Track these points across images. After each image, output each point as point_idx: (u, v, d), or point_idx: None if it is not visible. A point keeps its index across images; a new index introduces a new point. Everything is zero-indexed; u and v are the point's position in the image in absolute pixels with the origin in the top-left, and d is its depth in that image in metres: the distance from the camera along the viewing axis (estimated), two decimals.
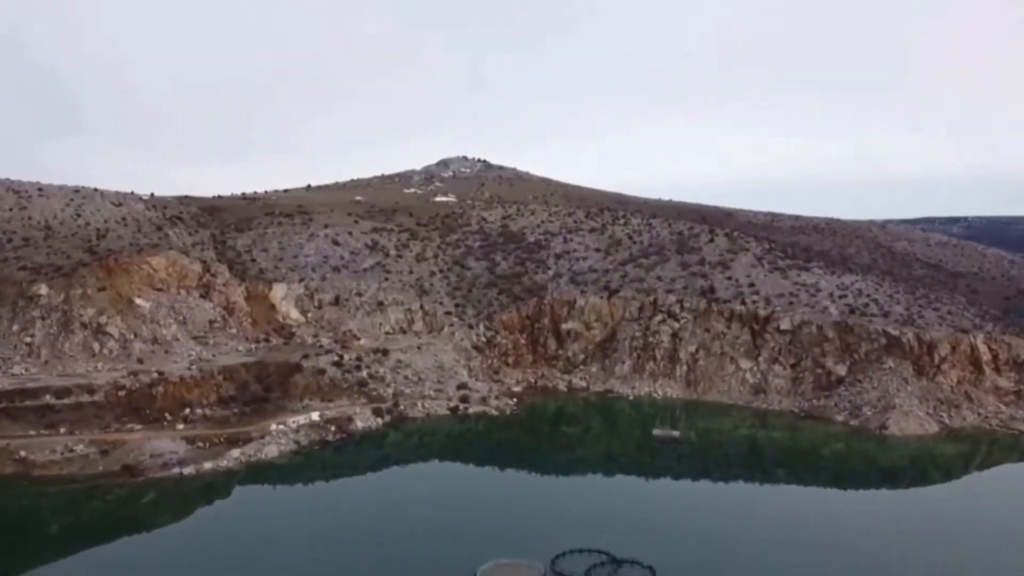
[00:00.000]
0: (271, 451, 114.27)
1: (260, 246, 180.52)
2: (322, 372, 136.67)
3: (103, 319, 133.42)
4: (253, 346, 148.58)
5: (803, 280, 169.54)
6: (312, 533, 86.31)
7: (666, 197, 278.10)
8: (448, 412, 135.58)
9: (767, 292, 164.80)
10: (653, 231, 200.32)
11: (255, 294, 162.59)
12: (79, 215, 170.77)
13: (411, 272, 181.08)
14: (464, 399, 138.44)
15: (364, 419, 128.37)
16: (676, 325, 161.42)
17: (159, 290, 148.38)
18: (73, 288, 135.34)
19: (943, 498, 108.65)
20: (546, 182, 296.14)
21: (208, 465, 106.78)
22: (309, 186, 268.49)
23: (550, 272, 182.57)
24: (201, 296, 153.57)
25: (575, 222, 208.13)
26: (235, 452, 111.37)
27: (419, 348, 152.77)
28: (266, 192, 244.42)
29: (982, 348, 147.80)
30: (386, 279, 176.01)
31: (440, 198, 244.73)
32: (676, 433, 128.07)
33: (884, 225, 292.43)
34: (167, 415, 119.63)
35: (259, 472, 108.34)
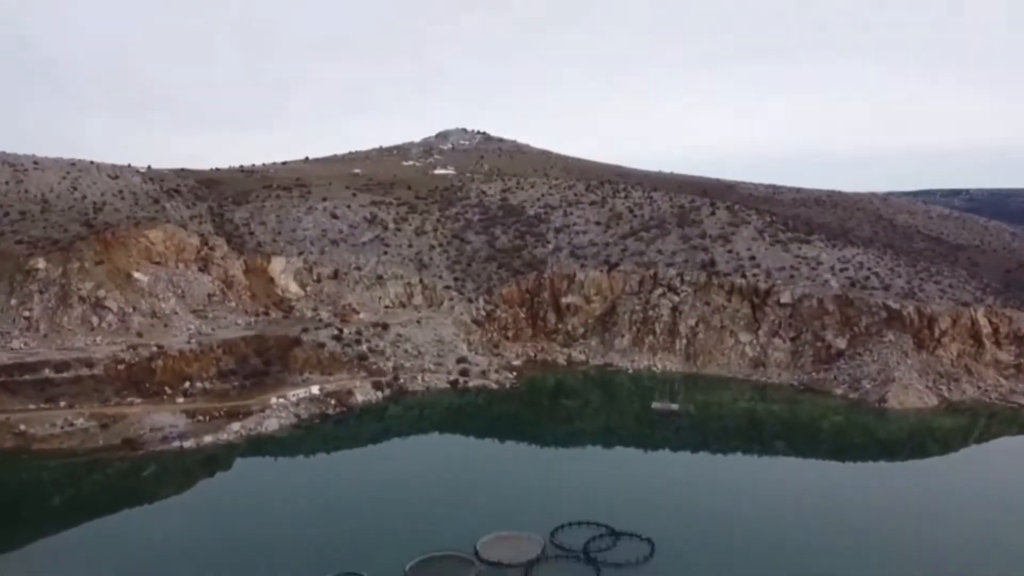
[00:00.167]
0: (271, 424, 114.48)
1: (258, 219, 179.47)
2: (322, 346, 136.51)
3: (101, 293, 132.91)
4: (252, 320, 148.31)
5: (804, 253, 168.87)
6: (313, 506, 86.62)
7: (667, 170, 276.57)
8: (448, 386, 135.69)
9: (768, 265, 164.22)
10: (654, 204, 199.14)
11: (254, 268, 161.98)
12: (75, 188, 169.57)
13: (410, 246, 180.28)
14: (464, 373, 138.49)
15: (364, 393, 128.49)
16: (676, 299, 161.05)
17: (157, 264, 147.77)
18: (71, 262, 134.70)
19: (941, 471, 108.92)
20: (546, 154, 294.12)
21: (208, 438, 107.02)
22: (307, 158, 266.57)
23: (550, 246, 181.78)
24: (199, 270, 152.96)
25: (575, 195, 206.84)
26: (235, 425, 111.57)
27: (419, 322, 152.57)
28: (264, 165, 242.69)
29: (982, 321, 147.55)
30: (385, 253, 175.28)
31: (439, 171, 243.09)
32: (675, 406, 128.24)
33: (886, 198, 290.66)
34: (167, 389, 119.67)
35: (260, 445, 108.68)
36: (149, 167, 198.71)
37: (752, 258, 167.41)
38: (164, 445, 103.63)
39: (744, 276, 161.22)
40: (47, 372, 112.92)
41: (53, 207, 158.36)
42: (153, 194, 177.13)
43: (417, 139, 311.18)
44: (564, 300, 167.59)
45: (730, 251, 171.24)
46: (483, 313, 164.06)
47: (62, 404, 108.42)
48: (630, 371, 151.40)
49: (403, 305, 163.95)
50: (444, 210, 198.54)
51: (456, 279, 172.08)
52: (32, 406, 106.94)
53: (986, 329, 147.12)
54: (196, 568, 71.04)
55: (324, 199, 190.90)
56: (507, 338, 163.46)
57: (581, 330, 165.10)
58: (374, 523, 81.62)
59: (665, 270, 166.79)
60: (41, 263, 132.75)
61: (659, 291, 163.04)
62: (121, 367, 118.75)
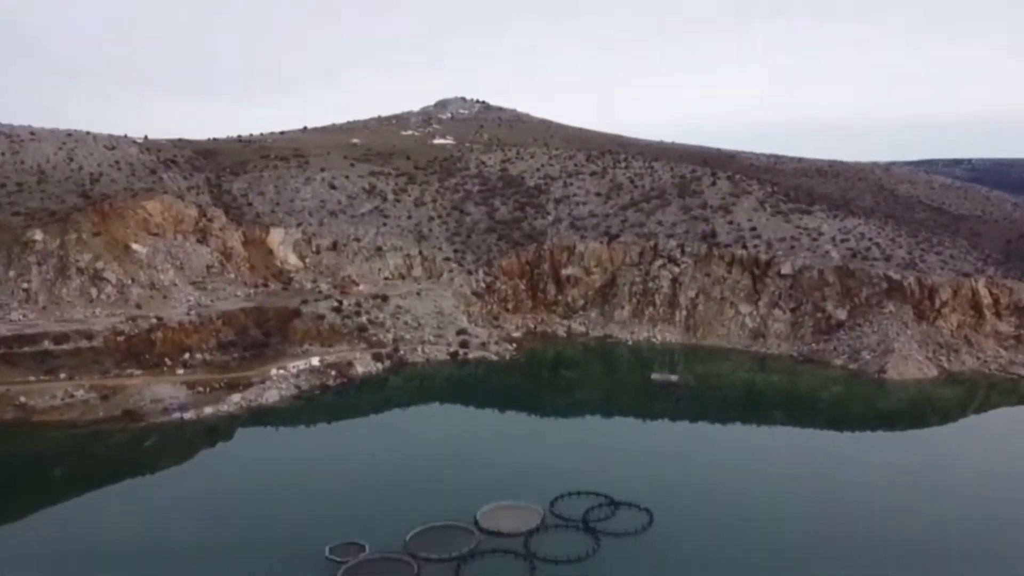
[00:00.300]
0: (272, 396, 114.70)
1: (256, 190, 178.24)
2: (321, 317, 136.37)
3: (100, 264, 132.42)
4: (251, 291, 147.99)
5: (805, 224, 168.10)
6: (314, 476, 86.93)
7: (668, 139, 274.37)
8: (448, 357, 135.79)
9: (768, 236, 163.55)
10: (654, 174, 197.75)
11: (252, 239, 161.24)
12: (72, 159, 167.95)
13: (409, 217, 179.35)
14: (464, 344, 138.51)
15: (364, 364, 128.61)
16: (676, 270, 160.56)
17: (155, 235, 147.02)
18: (68, 233, 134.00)
19: (939, 441, 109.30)
20: (546, 124, 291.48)
21: (209, 410, 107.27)
22: (305, 128, 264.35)
23: (550, 217, 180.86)
24: (198, 241, 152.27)
25: (575, 166, 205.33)
26: (236, 397, 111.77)
27: (418, 294, 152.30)
28: (261, 134, 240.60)
29: (983, 292, 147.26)
30: (384, 224, 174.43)
31: (438, 140, 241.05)
32: (674, 377, 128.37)
33: (887, 167, 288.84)
34: (166, 360, 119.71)
35: (260, 416, 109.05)
36: (146, 137, 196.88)
37: (753, 229, 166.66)
38: (164, 416, 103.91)
39: (745, 247, 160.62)
40: (46, 344, 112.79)
41: (50, 178, 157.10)
42: (150, 164, 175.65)
43: (416, 108, 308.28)
44: (564, 272, 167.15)
45: (731, 222, 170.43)
46: (483, 285, 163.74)
47: (62, 376, 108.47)
48: (630, 343, 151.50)
49: (402, 277, 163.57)
50: (443, 181, 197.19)
51: (456, 251, 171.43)
52: (32, 378, 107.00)
53: (986, 300, 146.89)
54: (198, 537, 71.40)
55: (322, 169, 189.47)
56: (507, 310, 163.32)
57: (581, 302, 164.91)
58: (375, 493, 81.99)
59: (665, 241, 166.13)
60: (39, 235, 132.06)
61: (659, 262, 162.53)
62: (120, 339, 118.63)
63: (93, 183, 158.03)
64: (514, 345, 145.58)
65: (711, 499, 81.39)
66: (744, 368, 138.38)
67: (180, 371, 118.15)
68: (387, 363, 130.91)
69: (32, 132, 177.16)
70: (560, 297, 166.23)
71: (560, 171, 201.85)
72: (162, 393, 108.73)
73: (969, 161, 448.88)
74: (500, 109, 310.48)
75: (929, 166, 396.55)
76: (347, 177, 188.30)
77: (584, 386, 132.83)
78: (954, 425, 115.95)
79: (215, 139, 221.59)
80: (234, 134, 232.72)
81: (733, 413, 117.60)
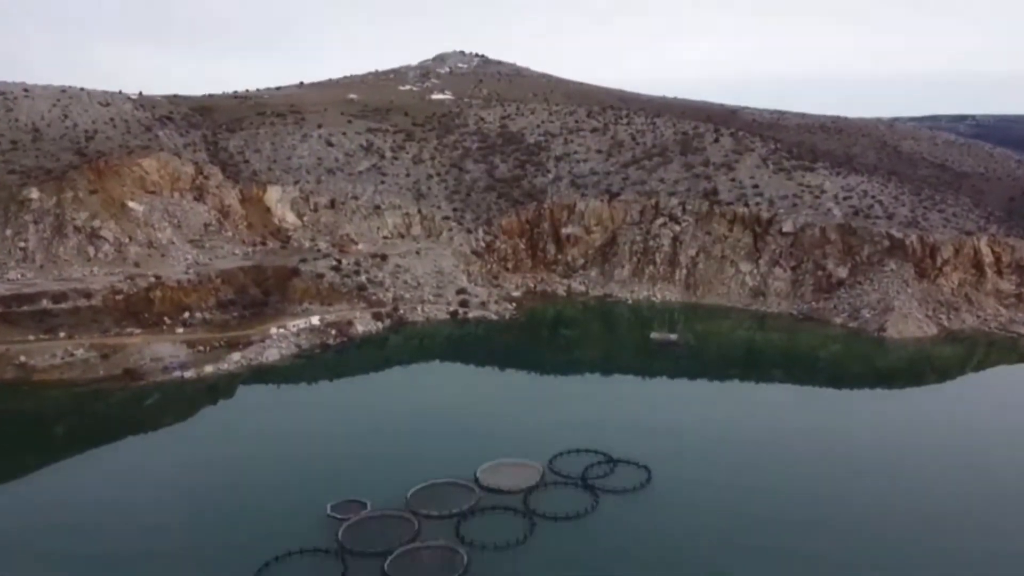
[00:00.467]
0: (272, 354, 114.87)
1: (253, 147, 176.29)
2: (320, 276, 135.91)
3: (96, 223, 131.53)
4: (250, 250, 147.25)
5: (808, 181, 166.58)
6: (315, 434, 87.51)
7: (670, 94, 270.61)
8: (448, 317, 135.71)
9: (771, 194, 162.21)
10: (657, 131, 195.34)
11: (249, 197, 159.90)
12: (67, 116, 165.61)
13: (408, 175, 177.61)
14: (463, 304, 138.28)
15: (364, 323, 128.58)
16: (677, 228, 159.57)
17: (152, 193, 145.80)
18: (64, 192, 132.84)
19: (937, 398, 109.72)
20: (546, 78, 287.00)
21: (209, 368, 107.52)
22: (301, 83, 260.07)
23: (550, 175, 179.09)
24: (195, 199, 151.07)
25: (576, 122, 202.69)
26: (236, 356, 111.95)
27: (417, 253, 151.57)
28: (257, 90, 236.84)
29: (985, 251, 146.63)
30: (382, 182, 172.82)
31: (436, 96, 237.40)
32: (674, 336, 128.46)
33: (891, 123, 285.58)
34: (166, 319, 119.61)
35: (261, 375, 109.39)
36: (140, 94, 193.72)
37: (755, 186, 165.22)
38: (165, 375, 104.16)
39: (746, 205, 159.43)
40: (45, 303, 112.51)
41: (44, 136, 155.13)
42: (145, 122, 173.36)
43: (414, 62, 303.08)
44: (564, 231, 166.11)
45: (733, 179, 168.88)
46: (482, 244, 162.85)
47: (61, 335, 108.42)
48: (629, 302, 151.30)
49: (401, 236, 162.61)
50: (442, 138, 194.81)
51: (455, 209, 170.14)
52: (31, 337, 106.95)
53: (988, 258, 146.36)
54: (200, 495, 72.08)
55: (319, 126, 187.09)
56: (507, 269, 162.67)
57: (581, 261, 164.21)
58: (375, 451, 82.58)
59: (667, 199, 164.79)
60: (35, 193, 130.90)
61: (660, 221, 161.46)
62: (119, 297, 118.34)
63: (88, 140, 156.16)
64: (514, 304, 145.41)
65: (709, 457, 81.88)
66: (743, 327, 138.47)
67: (180, 330, 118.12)
68: (387, 322, 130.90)
69: (25, 89, 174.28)
70: (560, 256, 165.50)
71: (561, 127, 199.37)
72: (162, 352, 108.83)
73: (973, 117, 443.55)
74: (499, 63, 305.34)
75: (933, 122, 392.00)
76: (344, 134, 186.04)
77: (584, 345, 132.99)
78: (952, 383, 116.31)
79: (210, 95, 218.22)
80: (230, 90, 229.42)
81: (732, 371, 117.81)
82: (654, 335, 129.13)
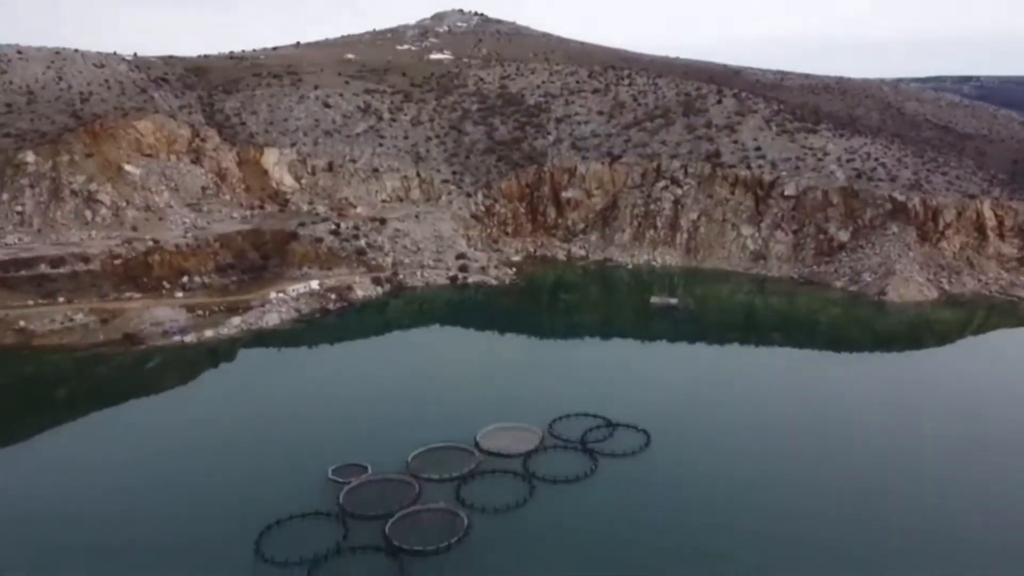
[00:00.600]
0: (272, 319, 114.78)
1: (249, 109, 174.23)
2: (319, 241, 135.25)
3: (93, 187, 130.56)
4: (248, 213, 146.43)
5: (811, 144, 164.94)
6: (316, 398, 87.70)
7: (673, 54, 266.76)
8: (447, 282, 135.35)
9: (773, 156, 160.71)
10: (659, 92, 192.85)
11: (247, 159, 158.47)
12: (61, 78, 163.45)
13: (406, 137, 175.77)
14: (463, 269, 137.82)
15: (364, 288, 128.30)
16: (679, 192, 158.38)
17: (148, 156, 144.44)
18: (60, 155, 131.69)
19: (935, 361, 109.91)
20: (547, 38, 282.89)
21: (209, 333, 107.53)
22: (298, 43, 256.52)
23: (550, 137, 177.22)
24: (192, 162, 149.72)
25: (577, 83, 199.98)
26: (236, 320, 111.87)
27: (417, 217, 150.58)
28: (254, 51, 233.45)
29: (988, 214, 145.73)
30: (380, 144, 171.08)
31: (435, 56, 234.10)
32: (674, 301, 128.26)
33: (895, 84, 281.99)
34: (165, 284, 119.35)
35: (261, 340, 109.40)
36: (135, 55, 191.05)
37: (758, 149, 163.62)
38: (165, 340, 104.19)
39: (749, 167, 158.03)
40: (43, 268, 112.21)
41: (39, 98, 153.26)
42: (140, 83, 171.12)
43: (412, 21, 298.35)
44: (564, 194, 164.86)
45: (735, 141, 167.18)
46: (482, 208, 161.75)
47: (60, 300, 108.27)
48: (630, 266, 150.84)
49: (400, 199, 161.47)
50: (440, 99, 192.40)
51: (454, 172, 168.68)
52: (31, 302, 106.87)
53: (991, 222, 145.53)
54: (202, 458, 72.45)
55: (316, 87, 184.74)
56: (506, 234, 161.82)
57: (581, 225, 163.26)
58: (376, 416, 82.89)
59: (669, 162, 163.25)
60: (30, 157, 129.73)
61: (662, 184, 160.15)
62: (118, 262, 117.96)
63: (83, 103, 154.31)
64: (514, 269, 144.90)
65: (708, 420, 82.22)
66: (743, 290, 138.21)
67: (179, 294, 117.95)
68: (386, 287, 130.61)
69: (19, 51, 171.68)
70: (560, 220, 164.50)
71: (561, 88, 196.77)
72: (161, 316, 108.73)
73: (978, 79, 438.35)
74: (499, 22, 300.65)
75: (937, 83, 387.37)
76: (341, 95, 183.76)
77: (583, 310, 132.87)
78: (951, 346, 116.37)
79: (206, 56, 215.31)
80: (225, 51, 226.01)
81: (732, 335, 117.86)
82: (654, 299, 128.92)
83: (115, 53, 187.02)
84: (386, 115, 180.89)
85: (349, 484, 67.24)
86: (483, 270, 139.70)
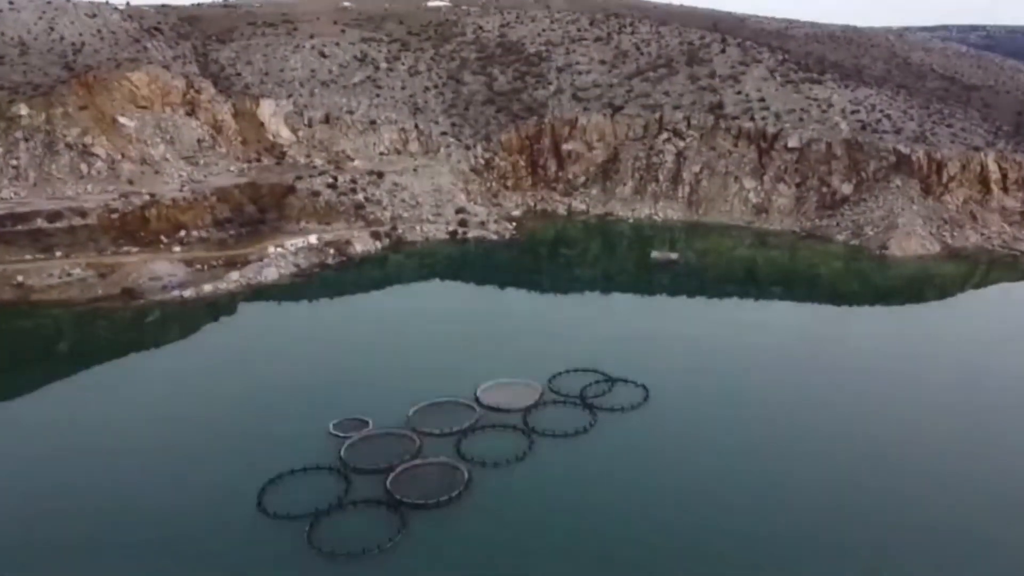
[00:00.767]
0: (271, 273, 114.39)
1: (244, 59, 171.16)
2: (317, 194, 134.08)
3: (88, 140, 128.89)
4: (245, 166, 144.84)
5: (815, 95, 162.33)
6: (317, 354, 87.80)
7: (677, 1, 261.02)
8: (447, 236, 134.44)
9: (777, 108, 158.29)
10: (662, 40, 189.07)
11: (242, 111, 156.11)
12: (52, 28, 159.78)
13: (403, 88, 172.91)
14: (463, 223, 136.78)
15: (363, 243, 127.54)
16: (681, 144, 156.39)
17: (143, 108, 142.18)
18: (54, 107, 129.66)
19: (934, 315, 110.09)
20: None
21: (208, 288, 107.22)
22: None
23: (551, 87, 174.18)
24: (187, 114, 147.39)
25: (578, 30, 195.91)
26: (234, 275, 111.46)
27: (415, 170, 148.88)
28: None
29: (992, 167, 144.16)
30: (377, 95, 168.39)
31: (433, 3, 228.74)
32: (674, 255, 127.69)
33: (901, 33, 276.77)
34: (162, 238, 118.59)
35: (260, 294, 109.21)
36: (128, 3, 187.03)
37: (761, 100, 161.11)
38: (164, 294, 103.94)
39: (752, 119, 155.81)
40: (40, 222, 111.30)
41: (31, 50, 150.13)
42: (133, 33, 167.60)
43: None
44: (565, 147, 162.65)
45: (739, 92, 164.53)
46: (481, 161, 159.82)
47: (58, 254, 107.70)
48: (631, 220, 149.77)
49: (398, 152, 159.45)
50: (438, 48, 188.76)
51: (453, 124, 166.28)
52: (28, 257, 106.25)
53: (995, 175, 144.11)
54: (204, 411, 72.84)
55: (312, 36, 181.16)
56: (506, 187, 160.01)
57: (582, 179, 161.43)
58: (376, 370, 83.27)
59: (671, 113, 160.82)
60: (24, 109, 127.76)
61: (664, 136, 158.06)
62: (114, 216, 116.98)
63: (76, 54, 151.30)
64: (514, 224, 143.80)
65: (707, 375, 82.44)
66: (745, 244, 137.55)
67: (177, 249, 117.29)
68: (386, 242, 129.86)
69: (11, 1, 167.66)
70: (561, 174, 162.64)
71: (562, 36, 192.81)
72: (160, 271, 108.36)
73: (984, 28, 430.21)
74: None
75: (944, 32, 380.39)
76: (337, 44, 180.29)
77: (584, 265, 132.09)
78: (951, 300, 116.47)
79: (199, 4, 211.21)
80: None
81: (732, 290, 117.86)
82: (655, 254, 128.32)
83: (107, 2, 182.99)
84: (383, 65, 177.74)
85: (350, 439, 67.81)
86: (483, 225, 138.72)
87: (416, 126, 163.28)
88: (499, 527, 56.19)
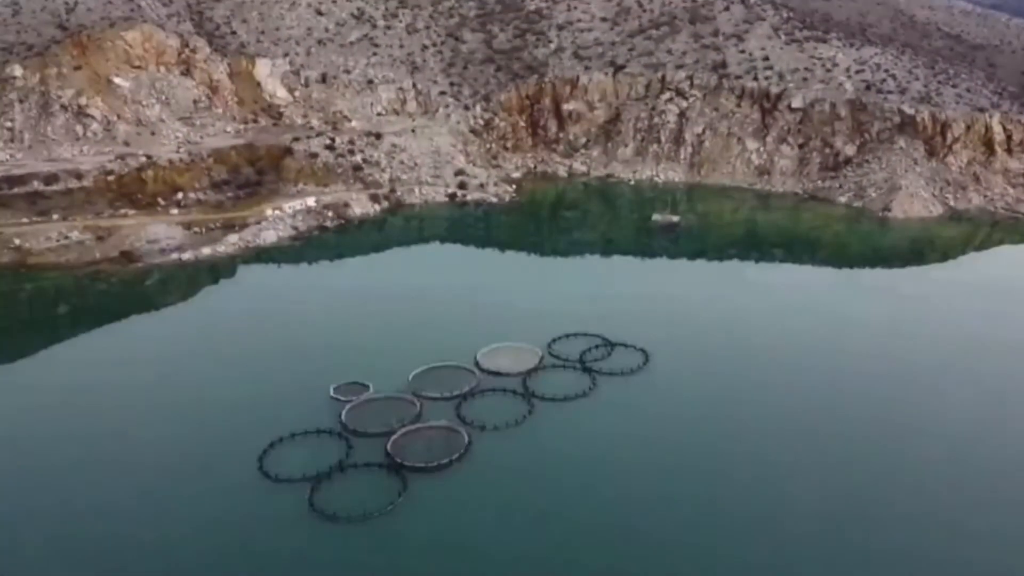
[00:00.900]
0: (269, 236, 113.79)
1: (239, 17, 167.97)
2: (315, 156, 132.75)
3: (83, 100, 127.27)
4: (241, 127, 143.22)
5: (820, 54, 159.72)
6: (316, 318, 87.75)
7: None
8: (446, 199, 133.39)
9: (781, 67, 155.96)
10: None
11: (238, 71, 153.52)
12: None
13: (401, 46, 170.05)
14: (462, 186, 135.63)
15: (361, 205, 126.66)
16: (684, 104, 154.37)
17: (137, 68, 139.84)
18: (48, 68, 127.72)
19: (935, 277, 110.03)
20: None
21: (206, 250, 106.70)
22: None
23: (552, 45, 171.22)
24: (182, 74, 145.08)
25: None
26: (233, 237, 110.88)
27: (413, 131, 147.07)
28: None
29: (996, 128, 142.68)
30: (374, 54, 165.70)
31: None
32: (676, 218, 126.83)
33: None
34: (159, 200, 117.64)
35: (259, 257, 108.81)
36: None
37: (765, 59, 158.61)
38: (162, 257, 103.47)
39: (756, 79, 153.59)
40: (36, 184, 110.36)
41: (23, 9, 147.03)
42: None
43: None
44: (566, 107, 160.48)
45: (743, 51, 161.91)
46: (481, 122, 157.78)
47: (55, 217, 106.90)
48: (632, 182, 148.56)
49: (396, 112, 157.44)
50: (437, 4, 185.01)
51: (452, 84, 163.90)
52: (25, 220, 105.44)
53: (999, 136, 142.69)
54: (204, 375, 73.08)
55: None
56: (506, 149, 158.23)
57: (583, 140, 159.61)
58: (376, 335, 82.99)
59: (674, 72, 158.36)
60: (18, 70, 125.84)
61: (666, 96, 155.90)
62: (111, 178, 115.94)
63: (69, 13, 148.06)
64: (513, 186, 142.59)
65: (706, 339, 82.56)
66: (747, 206, 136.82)
67: (174, 211, 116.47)
68: (384, 204, 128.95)
69: None
70: (561, 135, 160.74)
71: None
72: (158, 234, 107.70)
73: None
74: None
75: None
76: (334, 1, 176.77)
77: (584, 228, 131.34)
78: (952, 263, 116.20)
79: None
80: None
81: (733, 252, 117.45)
82: (656, 217, 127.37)
83: None
84: (380, 22, 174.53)
85: (351, 402, 68.01)
86: (482, 187, 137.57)
87: (414, 85, 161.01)
88: (499, 490, 56.66)
